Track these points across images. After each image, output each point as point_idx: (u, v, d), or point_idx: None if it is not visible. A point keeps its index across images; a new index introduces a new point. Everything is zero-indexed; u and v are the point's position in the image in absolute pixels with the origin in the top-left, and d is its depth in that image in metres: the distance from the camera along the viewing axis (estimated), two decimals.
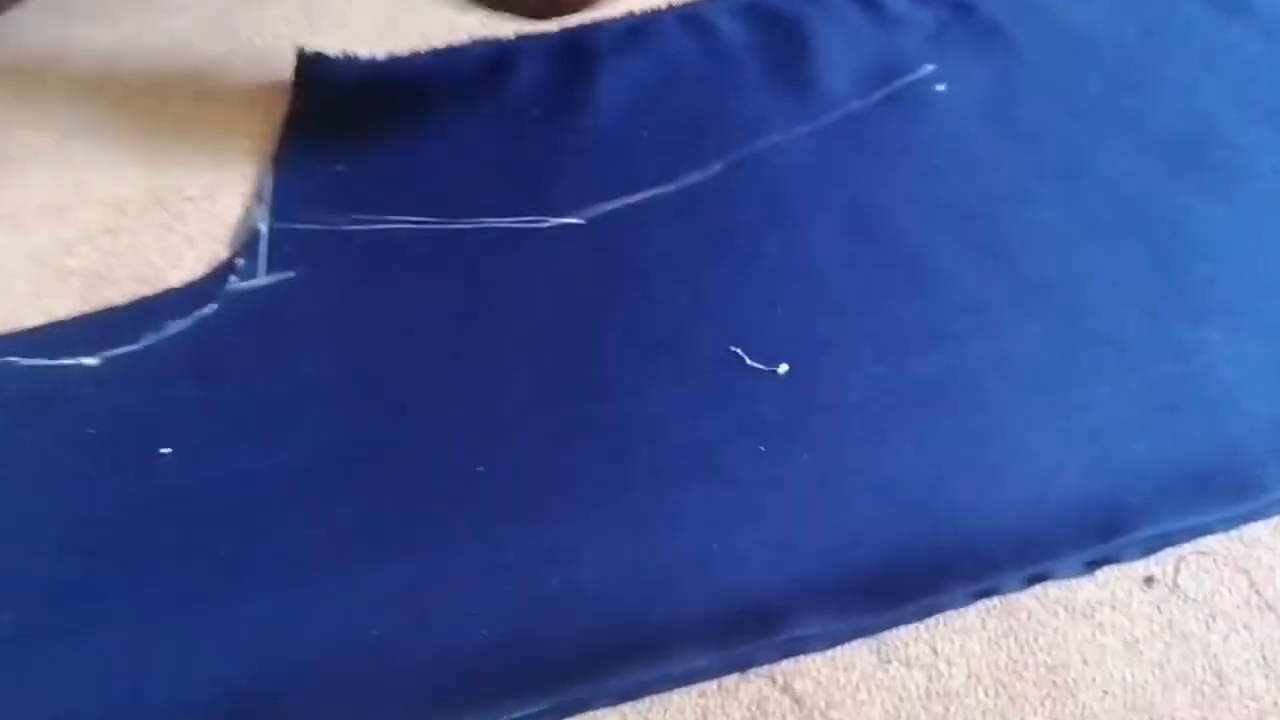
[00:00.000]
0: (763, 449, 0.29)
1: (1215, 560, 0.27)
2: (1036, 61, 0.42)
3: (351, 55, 0.43)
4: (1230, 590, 0.26)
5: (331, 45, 0.44)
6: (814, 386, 0.31)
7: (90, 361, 0.32)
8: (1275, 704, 0.24)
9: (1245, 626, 0.25)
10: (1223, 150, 0.38)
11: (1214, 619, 0.25)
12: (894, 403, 0.30)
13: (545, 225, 0.36)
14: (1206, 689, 0.24)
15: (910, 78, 0.41)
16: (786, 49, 0.43)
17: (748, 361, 0.31)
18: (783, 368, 0.31)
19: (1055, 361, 0.31)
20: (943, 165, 0.38)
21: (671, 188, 0.37)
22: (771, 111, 0.40)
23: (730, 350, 0.32)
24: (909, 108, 0.40)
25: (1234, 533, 0.27)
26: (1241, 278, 0.33)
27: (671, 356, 0.32)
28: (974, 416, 0.30)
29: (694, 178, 0.38)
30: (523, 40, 0.44)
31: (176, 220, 0.37)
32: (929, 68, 0.42)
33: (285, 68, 0.43)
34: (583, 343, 0.32)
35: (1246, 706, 0.24)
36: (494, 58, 0.43)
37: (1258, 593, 0.26)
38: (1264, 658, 0.25)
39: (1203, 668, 0.25)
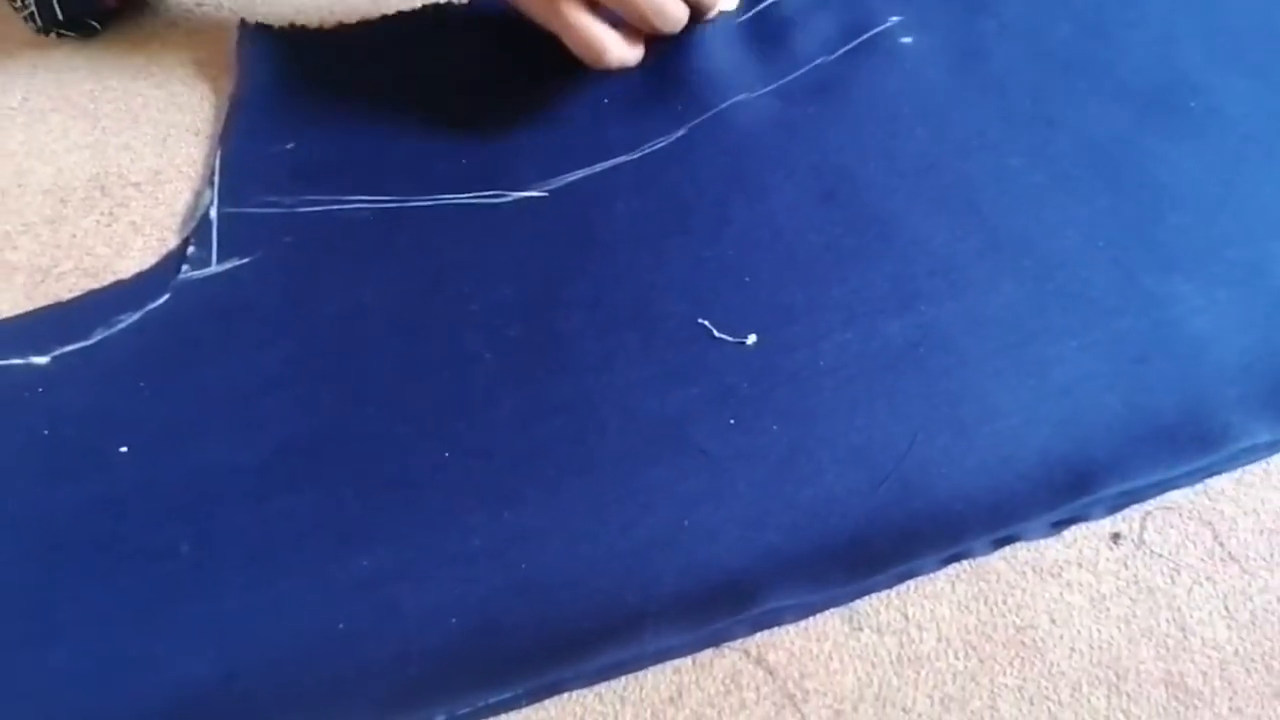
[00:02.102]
0: (732, 421, 0.29)
1: (1180, 515, 0.27)
2: (1005, 9, 0.41)
3: (298, 26, 0.41)
4: (1194, 543, 0.26)
5: (275, 13, 0.42)
6: (783, 356, 0.30)
7: (39, 360, 0.31)
8: (1236, 652, 0.24)
9: (1208, 578, 0.26)
10: (1194, 98, 0.37)
11: (1178, 572, 0.26)
12: (864, 369, 0.30)
13: (505, 199, 0.35)
14: (1170, 641, 0.25)
15: (876, 30, 0.40)
16: (749, 5, 0.42)
17: (715, 333, 0.31)
18: (751, 338, 0.31)
19: (1025, 318, 0.31)
20: (911, 120, 0.37)
21: (635, 156, 0.36)
22: (735, 71, 0.39)
23: (698, 322, 0.31)
24: (875, 61, 0.39)
25: (1199, 487, 0.27)
26: (1211, 227, 0.33)
27: (638, 330, 0.31)
28: (945, 379, 0.30)
29: (658, 144, 0.37)
30: (476, 4, 0.42)
31: (121, 208, 0.36)
32: (895, 19, 0.41)
33: (228, 40, 0.41)
34: (546, 319, 0.32)
35: (1209, 656, 0.24)
36: (449, 24, 0.42)
37: (1221, 544, 0.26)
38: (1226, 608, 0.25)
39: (1167, 620, 0.25)
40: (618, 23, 0.35)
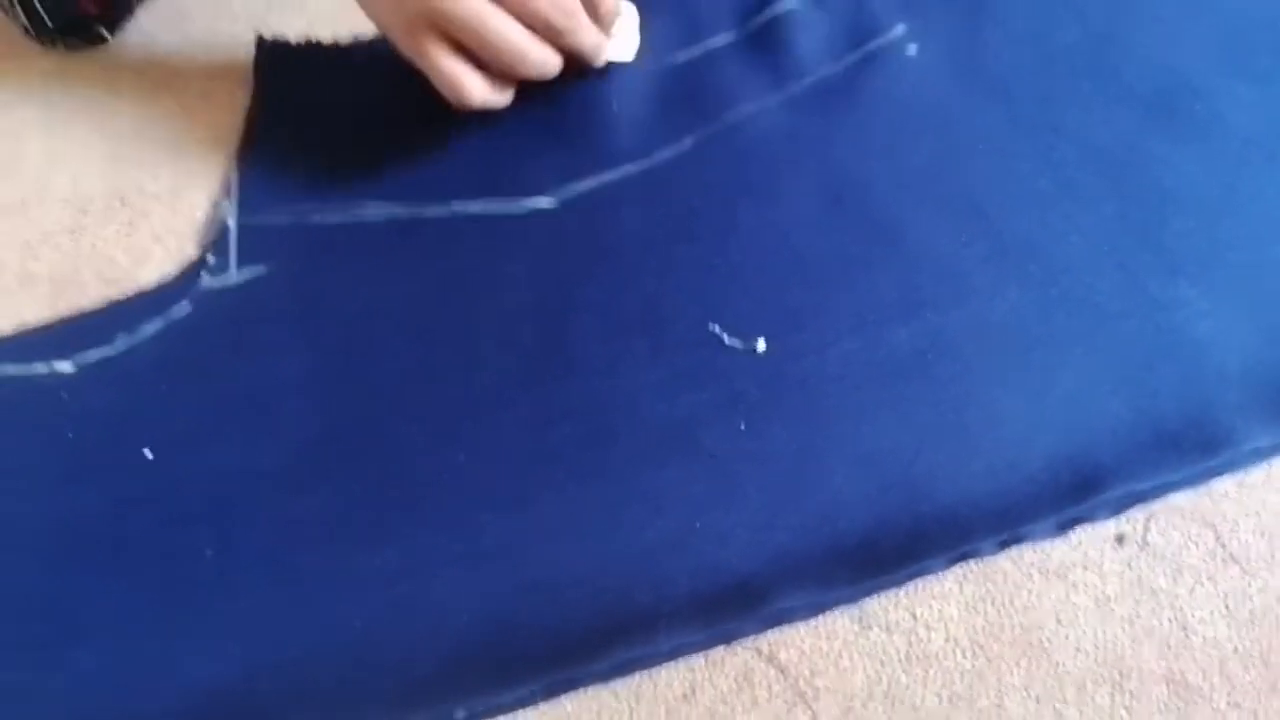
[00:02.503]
0: (742, 426, 0.30)
1: (1183, 516, 0.27)
2: (1008, 16, 0.41)
3: (313, 40, 0.42)
4: (1197, 544, 0.27)
5: (290, 27, 0.43)
6: (792, 362, 0.31)
7: (64, 367, 0.32)
8: (1235, 650, 0.25)
9: (1210, 579, 0.26)
10: (1198, 103, 0.37)
11: (1180, 573, 0.26)
12: (872, 375, 0.30)
13: (517, 208, 0.36)
14: (1172, 640, 0.25)
15: (881, 40, 0.41)
16: (758, 14, 0.42)
17: (725, 339, 0.32)
18: (760, 344, 0.31)
19: (1031, 324, 0.31)
20: (916, 128, 0.38)
21: (644, 165, 0.37)
22: (742, 81, 0.40)
23: (707, 328, 0.32)
24: (881, 71, 0.40)
25: (1201, 489, 0.28)
26: (1214, 231, 0.33)
27: (648, 336, 0.32)
28: (951, 385, 0.30)
29: (666, 153, 0.37)
30: None
31: (141, 218, 0.37)
32: (900, 29, 0.41)
33: (244, 54, 0.42)
34: (558, 325, 0.32)
35: (1209, 654, 0.25)
36: None
37: (1223, 545, 0.27)
38: (1227, 607, 0.25)
39: (1169, 620, 0.25)
40: (485, 65, 0.35)
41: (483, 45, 0.33)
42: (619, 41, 0.39)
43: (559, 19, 0.33)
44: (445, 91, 0.34)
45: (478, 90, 0.34)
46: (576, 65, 0.37)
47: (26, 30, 0.41)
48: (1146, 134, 0.36)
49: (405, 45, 0.34)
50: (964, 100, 0.38)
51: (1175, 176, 0.35)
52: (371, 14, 0.35)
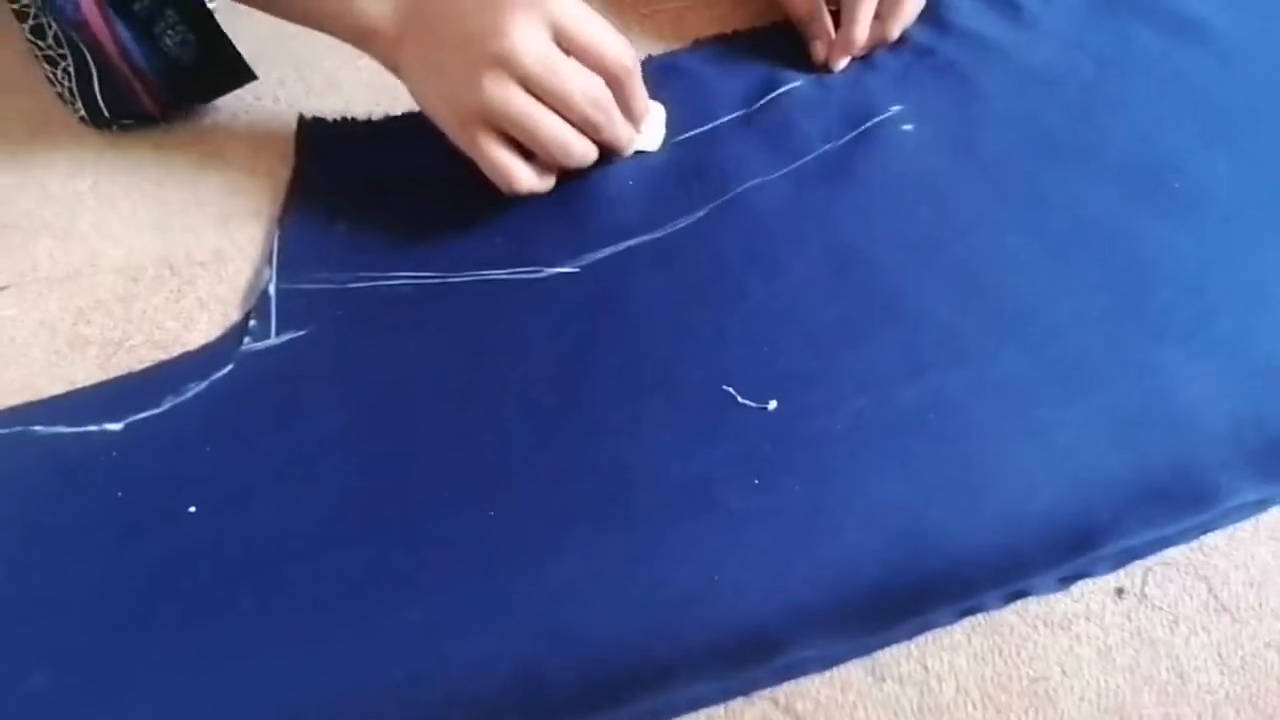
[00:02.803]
0: (756, 482, 0.31)
1: (1178, 569, 0.29)
2: (997, 98, 0.44)
3: (349, 117, 0.45)
4: (1191, 596, 0.28)
5: (328, 107, 0.46)
6: (802, 420, 0.33)
7: (113, 427, 0.34)
8: (1227, 695, 0.26)
9: (1204, 628, 0.27)
10: (1179, 179, 0.40)
11: (1177, 623, 0.28)
12: (878, 432, 0.32)
13: (540, 275, 0.38)
14: (1170, 688, 0.26)
15: (878, 118, 0.44)
16: (762, 94, 0.45)
17: (738, 399, 0.33)
18: (772, 404, 0.33)
19: (1028, 385, 0.33)
20: (914, 201, 0.40)
21: (659, 234, 0.39)
22: (750, 156, 0.42)
23: (721, 389, 0.34)
24: (879, 147, 0.42)
25: (1194, 543, 0.29)
26: (1198, 300, 0.35)
27: (665, 397, 0.34)
28: (954, 443, 0.32)
29: (680, 223, 0.40)
30: None
31: (188, 285, 0.39)
32: (896, 108, 0.44)
33: (284, 130, 0.45)
34: (579, 386, 0.34)
35: (1204, 700, 0.26)
36: None
37: (1215, 596, 0.28)
38: (1220, 655, 0.27)
39: (1167, 669, 0.27)
40: (531, 154, 0.38)
41: (532, 139, 0.36)
42: (648, 134, 0.42)
43: (596, 116, 0.37)
44: (497, 179, 0.37)
45: (525, 178, 0.37)
46: (609, 154, 0.40)
47: (83, 119, 0.44)
48: (1130, 208, 0.39)
49: (460, 137, 0.37)
50: (958, 175, 0.41)
51: (1159, 248, 0.37)
52: (428, 108, 0.38)
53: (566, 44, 0.36)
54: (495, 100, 0.35)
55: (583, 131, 0.38)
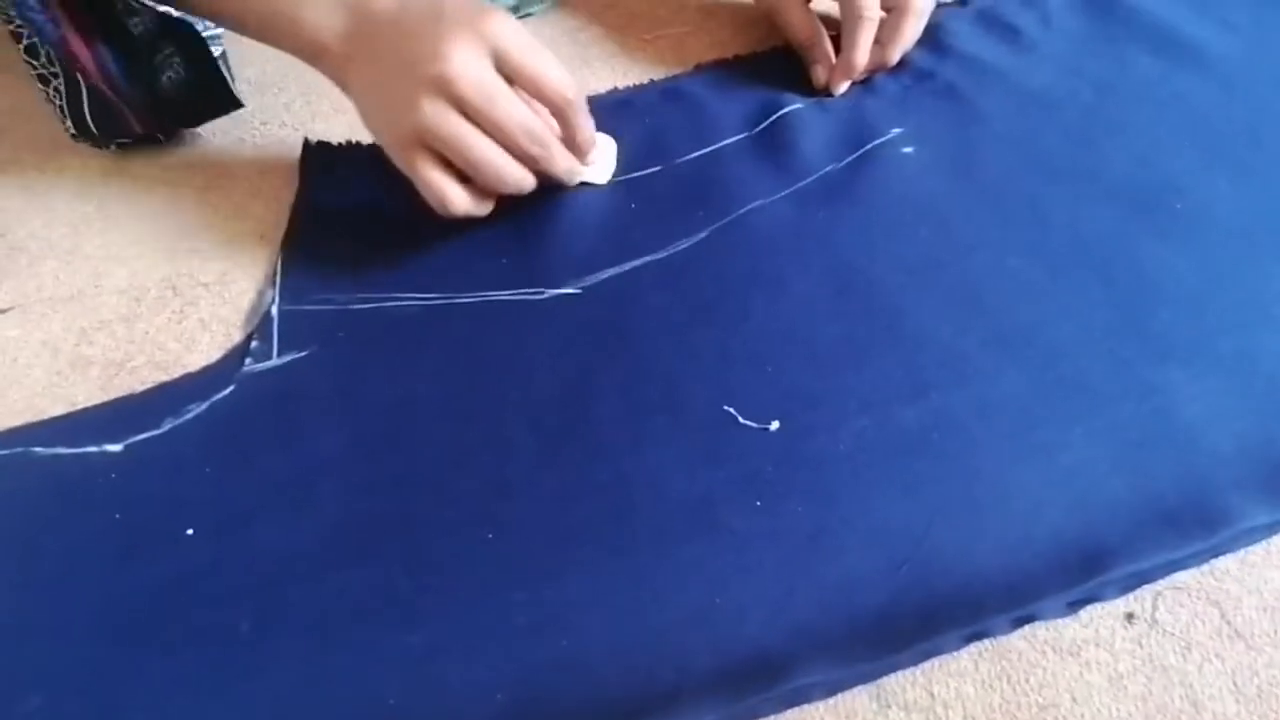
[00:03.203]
0: (758, 503, 0.31)
1: (1189, 594, 0.28)
2: (996, 121, 0.44)
3: (353, 141, 0.45)
4: (1203, 622, 0.28)
5: (333, 131, 0.47)
6: (805, 441, 0.32)
7: (113, 448, 0.34)
8: None
9: (1217, 655, 0.27)
10: (1180, 199, 0.40)
11: (1189, 650, 0.27)
12: (881, 453, 0.32)
13: (543, 296, 0.38)
14: (1184, 717, 0.26)
15: (879, 141, 0.44)
16: (764, 117, 0.46)
17: (740, 420, 0.33)
18: (774, 424, 0.33)
19: (1031, 406, 0.33)
20: (915, 222, 0.40)
21: (661, 255, 0.39)
22: (751, 178, 0.43)
23: (723, 409, 0.34)
24: (879, 169, 0.43)
25: (1205, 567, 0.29)
26: (1201, 319, 0.35)
27: (667, 417, 0.34)
28: (957, 463, 0.32)
29: (682, 245, 0.40)
30: None
31: (191, 306, 0.39)
32: (896, 131, 0.44)
33: (290, 154, 0.45)
34: (582, 407, 0.34)
35: None
36: None
37: (1228, 622, 0.27)
38: (1235, 683, 0.26)
39: (1180, 697, 0.26)
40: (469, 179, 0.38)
41: (465, 164, 0.37)
42: (596, 167, 0.42)
43: (532, 148, 0.37)
44: (431, 201, 0.38)
45: (459, 201, 0.37)
46: (552, 182, 0.41)
47: (74, 137, 0.45)
48: (1131, 229, 0.39)
49: (398, 158, 0.38)
50: (958, 197, 0.41)
51: (1160, 268, 0.37)
52: (371, 127, 0.39)
53: (508, 73, 0.36)
54: (431, 123, 0.35)
55: (520, 161, 0.37)
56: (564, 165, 0.39)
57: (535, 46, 0.37)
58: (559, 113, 0.38)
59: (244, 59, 0.51)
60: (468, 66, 0.35)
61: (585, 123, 0.39)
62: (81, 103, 0.43)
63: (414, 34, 0.35)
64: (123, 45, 0.42)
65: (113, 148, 0.46)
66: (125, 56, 0.42)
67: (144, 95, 0.43)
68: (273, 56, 0.46)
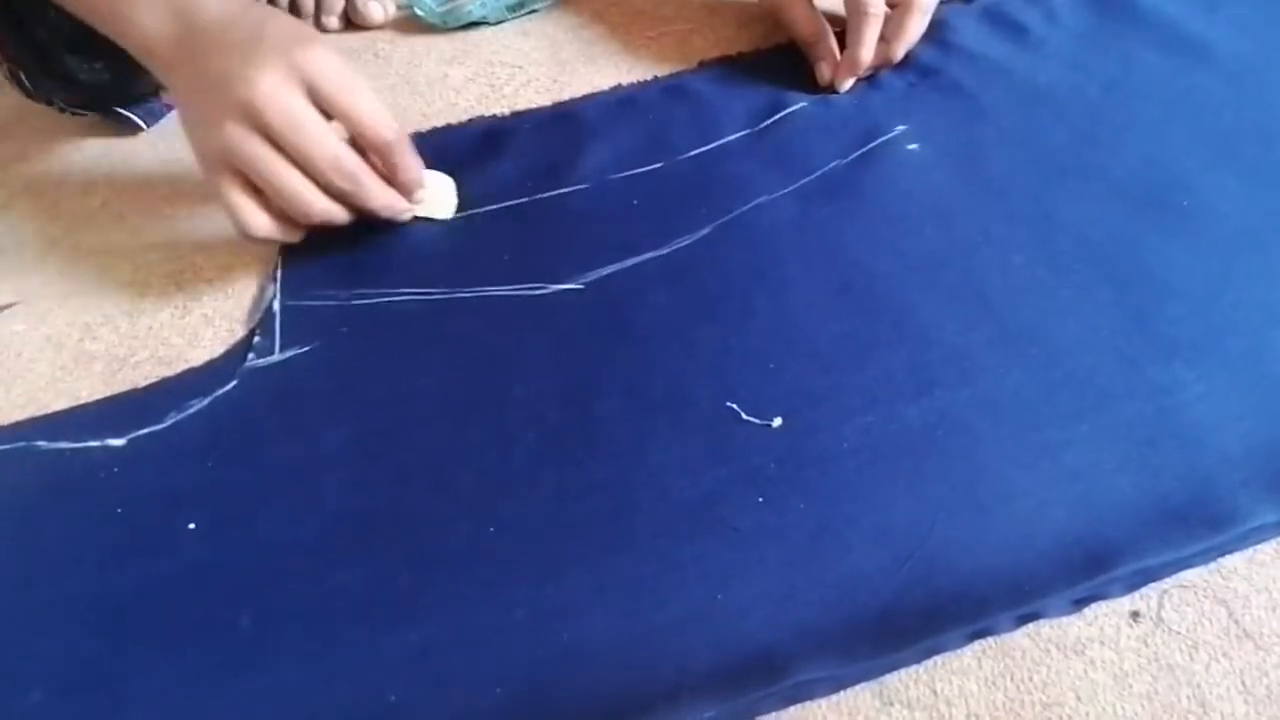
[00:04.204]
0: (761, 500, 0.31)
1: (1196, 593, 0.28)
2: (1002, 119, 0.44)
3: None
4: (1211, 621, 0.27)
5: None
6: (808, 438, 0.32)
7: (116, 442, 0.34)
8: None
9: (1225, 655, 0.27)
10: (1187, 197, 0.40)
11: (1196, 649, 0.27)
12: (885, 451, 0.32)
13: (544, 291, 0.38)
14: (1191, 717, 0.25)
15: (884, 138, 0.44)
16: (768, 114, 0.46)
17: (743, 416, 0.33)
18: (777, 421, 0.33)
19: (1036, 404, 0.33)
20: (919, 220, 0.40)
21: (664, 251, 0.39)
22: (756, 175, 0.42)
23: (726, 405, 0.33)
24: (884, 166, 0.42)
25: (1212, 565, 0.29)
26: (1208, 317, 0.35)
27: (669, 414, 0.33)
28: (962, 461, 0.31)
29: (685, 241, 0.40)
30: (518, 116, 0.47)
31: (194, 301, 0.39)
32: (901, 128, 0.44)
33: None
34: (583, 403, 0.34)
35: None
36: (490, 133, 0.46)
37: (1236, 622, 0.27)
38: (1243, 683, 0.26)
39: (1188, 697, 0.26)
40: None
41: (267, 190, 0.36)
42: (432, 203, 0.41)
43: (340, 183, 0.36)
44: (231, 220, 0.37)
45: (258, 226, 0.36)
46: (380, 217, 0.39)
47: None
48: (1137, 227, 0.39)
49: (204, 174, 0.37)
50: (963, 194, 0.41)
51: (1167, 266, 0.37)
52: (187, 135, 0.37)
53: (324, 106, 0.35)
54: (233, 145, 0.34)
55: (330, 194, 0.37)
56: (380, 202, 0.38)
57: (352, 83, 0.36)
58: (377, 151, 0.37)
59: None
60: (275, 94, 0.34)
61: (408, 162, 0.38)
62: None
63: (231, 53, 0.35)
64: (33, 45, 0.43)
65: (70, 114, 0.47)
66: (33, 55, 0.43)
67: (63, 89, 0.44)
68: None
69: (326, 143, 0.35)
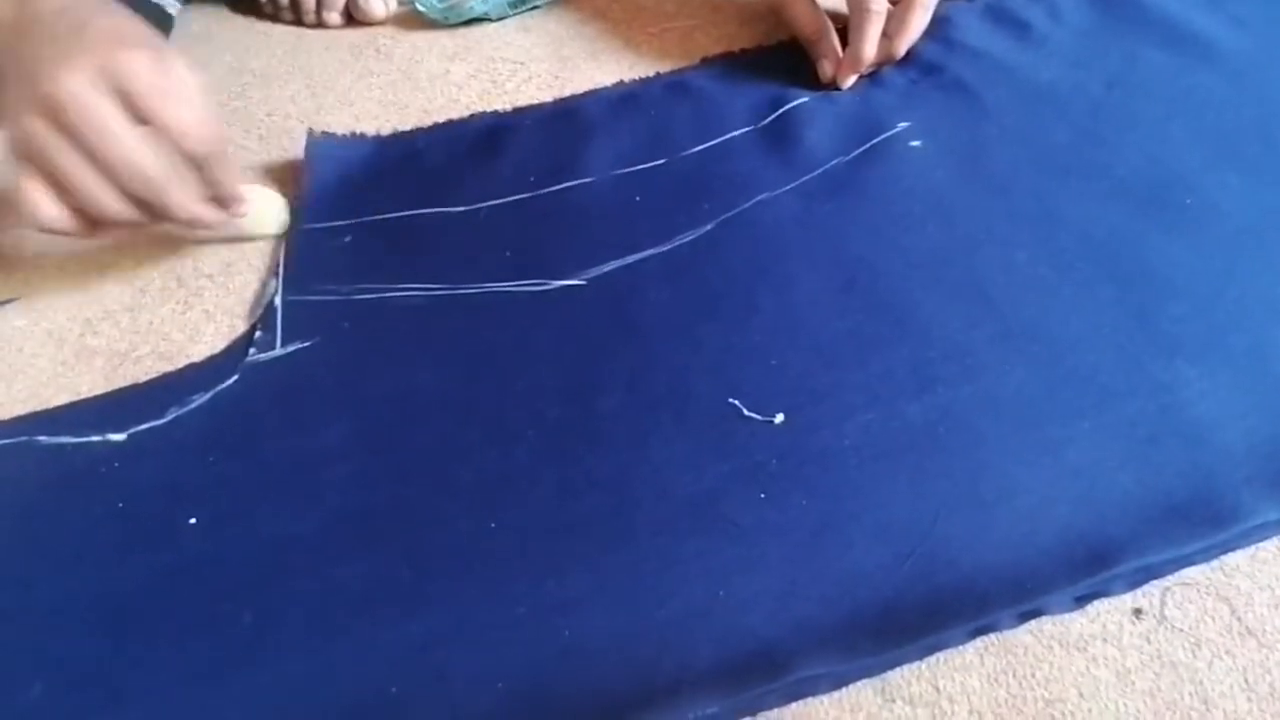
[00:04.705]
0: (763, 496, 0.31)
1: (1198, 590, 0.28)
2: (1004, 116, 0.44)
3: (358, 134, 0.45)
4: (1213, 618, 0.27)
5: (338, 122, 0.46)
6: (810, 434, 0.32)
7: (117, 438, 0.33)
8: None
9: (1228, 652, 0.27)
10: (1189, 195, 0.40)
11: (1199, 646, 0.27)
12: (887, 447, 0.32)
13: (547, 288, 0.38)
14: (1194, 714, 0.25)
15: (886, 135, 0.44)
16: (771, 110, 0.46)
17: (745, 412, 0.33)
18: (779, 417, 0.33)
19: (1038, 401, 0.33)
20: (922, 217, 0.40)
21: (666, 248, 0.39)
22: (758, 171, 0.42)
23: (728, 402, 0.33)
24: (887, 163, 0.42)
25: (1215, 563, 0.29)
26: (1211, 315, 0.35)
27: (671, 410, 0.33)
28: (964, 457, 0.31)
29: (687, 237, 0.40)
30: (520, 112, 0.47)
31: (195, 297, 0.39)
32: (903, 125, 0.44)
33: (295, 145, 0.45)
34: (586, 399, 0.34)
35: None
36: (492, 129, 0.46)
37: (1239, 619, 0.27)
38: (1246, 681, 0.26)
39: (1190, 694, 0.26)
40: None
41: (57, 187, 0.34)
42: (257, 219, 0.40)
43: (142, 190, 0.34)
44: (20, 206, 0.34)
45: (47, 216, 0.34)
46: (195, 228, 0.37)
47: None
48: (1140, 224, 0.39)
49: (10, 156, 0.34)
50: (966, 192, 0.41)
51: (1169, 264, 0.37)
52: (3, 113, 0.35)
53: (134, 111, 0.33)
54: (28, 137, 0.33)
55: (130, 198, 0.34)
56: (184, 213, 0.36)
57: (168, 89, 0.34)
58: (193, 162, 0.35)
59: (250, 50, 0.51)
60: (78, 93, 0.32)
61: (223, 176, 0.36)
62: None
63: (51, 43, 0.33)
64: None
65: None
66: None
67: None
68: (278, 49, 0.46)
69: (128, 147, 0.33)
